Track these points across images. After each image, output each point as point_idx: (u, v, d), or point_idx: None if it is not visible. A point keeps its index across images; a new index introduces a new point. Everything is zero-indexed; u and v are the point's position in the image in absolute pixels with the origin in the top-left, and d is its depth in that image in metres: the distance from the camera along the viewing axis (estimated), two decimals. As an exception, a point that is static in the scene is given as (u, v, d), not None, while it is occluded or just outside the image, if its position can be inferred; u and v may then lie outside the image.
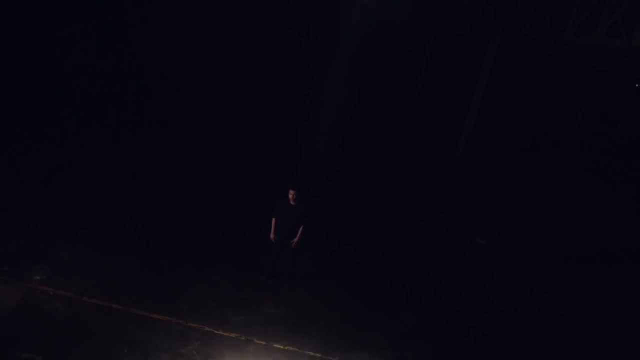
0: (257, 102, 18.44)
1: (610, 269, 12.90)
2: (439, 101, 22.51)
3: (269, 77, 19.31)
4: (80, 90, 14.99)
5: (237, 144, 15.31)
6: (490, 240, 12.39)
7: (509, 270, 11.49)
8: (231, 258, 9.08)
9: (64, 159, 11.74)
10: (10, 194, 9.61)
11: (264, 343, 7.01)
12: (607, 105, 21.81)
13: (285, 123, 17.42)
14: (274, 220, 8.40)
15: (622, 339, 9.58)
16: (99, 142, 13.14)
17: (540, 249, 13.08)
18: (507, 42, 17.49)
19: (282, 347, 7.03)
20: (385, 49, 21.29)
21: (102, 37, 15.83)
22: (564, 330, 9.38)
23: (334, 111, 19.41)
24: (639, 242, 14.64)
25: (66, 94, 14.65)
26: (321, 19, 19.21)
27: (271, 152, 15.20)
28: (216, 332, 7.00)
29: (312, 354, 7.03)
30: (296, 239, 8.34)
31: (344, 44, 19.69)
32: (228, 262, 8.90)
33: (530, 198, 16.78)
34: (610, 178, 19.60)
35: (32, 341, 6.10)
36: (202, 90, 17.80)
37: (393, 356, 7.36)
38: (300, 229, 8.31)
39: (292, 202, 8.25)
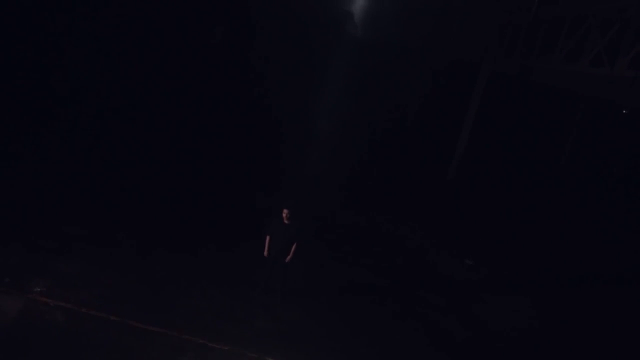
0: (249, 117, 18.86)
1: (597, 290, 13.20)
2: (433, 123, 23.00)
3: (266, 98, 19.78)
4: (76, 94, 15.24)
5: (229, 160, 15.68)
6: (478, 260, 12.69)
7: (496, 290, 11.78)
8: (225, 273, 9.35)
9: (55, 167, 12.01)
10: (9, 205, 9.87)
11: (255, 356, 7.26)
12: (597, 130, 22.32)
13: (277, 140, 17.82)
14: (267, 238, 8.70)
15: (607, 356, 9.86)
16: (89, 152, 13.41)
17: (528, 269, 13.38)
18: (498, 69, 18.03)
19: (273, 360, 7.29)
20: (380, 72, 21.82)
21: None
22: (549, 349, 9.65)
23: (325, 131, 19.84)
24: (626, 264, 14.99)
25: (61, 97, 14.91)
26: (311, 43, 19.69)
27: (263, 169, 15.58)
28: (209, 344, 7.25)
29: (301, 367, 7.29)
30: (289, 256, 8.63)
31: (333, 66, 20.15)
32: (222, 277, 9.16)
33: (520, 219, 17.14)
34: (600, 201, 20.01)
35: (33, 350, 6.36)
36: (192, 99, 18.19)
37: (380, 371, 7.62)
38: (293, 247, 8.60)
39: (285, 221, 8.58)
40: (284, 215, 8.58)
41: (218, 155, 15.67)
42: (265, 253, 8.68)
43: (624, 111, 21.65)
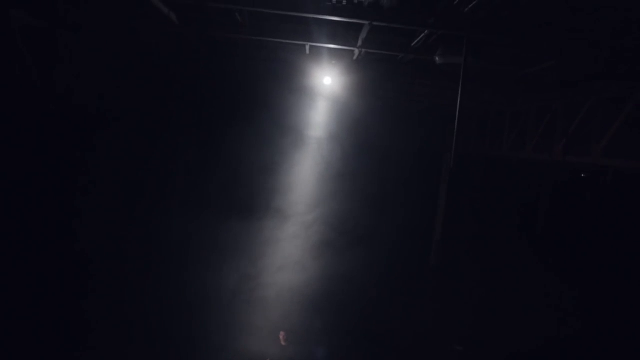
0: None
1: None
2: (410, 209, 24.14)
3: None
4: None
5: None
6: (467, 346, 13.41)
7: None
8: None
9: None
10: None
11: None
12: (564, 197, 23.53)
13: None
14: (268, 360, 9.52)
15: None
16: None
17: (519, 349, 13.96)
18: (457, 155, 19.58)
19: None
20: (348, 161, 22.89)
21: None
22: None
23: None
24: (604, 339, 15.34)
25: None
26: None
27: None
28: None
29: None
30: (290, 375, 9.42)
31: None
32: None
33: (505, 298, 17.78)
34: (576, 271, 20.56)
35: None
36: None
37: None
38: (292, 365, 9.42)
39: (282, 342, 9.45)
40: (281, 337, 9.47)
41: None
42: (268, 375, 9.46)
43: (582, 175, 23.21)
